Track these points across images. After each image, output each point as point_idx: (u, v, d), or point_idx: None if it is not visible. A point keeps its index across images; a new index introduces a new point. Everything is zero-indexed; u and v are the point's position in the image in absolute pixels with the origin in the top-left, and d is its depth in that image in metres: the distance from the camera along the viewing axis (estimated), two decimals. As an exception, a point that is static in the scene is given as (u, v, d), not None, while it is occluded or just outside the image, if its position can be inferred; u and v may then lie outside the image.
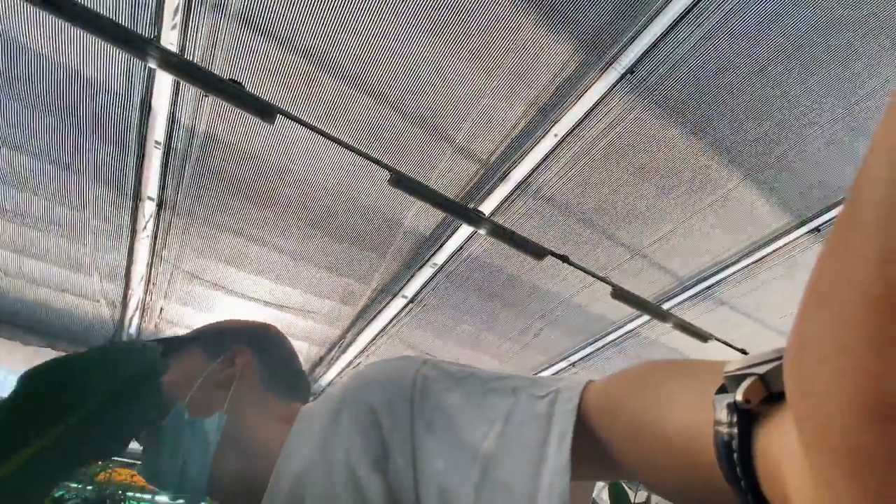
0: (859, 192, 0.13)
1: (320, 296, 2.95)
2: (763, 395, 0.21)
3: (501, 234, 2.25)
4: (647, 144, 2.04)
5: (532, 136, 2.00)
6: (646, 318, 2.95)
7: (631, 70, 1.70)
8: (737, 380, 0.22)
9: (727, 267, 2.62)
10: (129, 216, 2.46)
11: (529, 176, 2.16)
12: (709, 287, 2.83)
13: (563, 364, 3.62)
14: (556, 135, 2.00)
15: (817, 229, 2.35)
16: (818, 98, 1.85)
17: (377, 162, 2.01)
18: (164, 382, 0.52)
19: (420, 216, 2.38)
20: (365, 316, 3.01)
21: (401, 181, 1.94)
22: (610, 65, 1.70)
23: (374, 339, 3.23)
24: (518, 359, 3.50)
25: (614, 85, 1.77)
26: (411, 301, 2.93)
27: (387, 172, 2.03)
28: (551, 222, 2.37)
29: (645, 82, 1.80)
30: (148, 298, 3.08)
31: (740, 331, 3.21)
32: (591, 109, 1.88)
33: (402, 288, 2.85)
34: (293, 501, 0.43)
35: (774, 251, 2.49)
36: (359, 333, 3.12)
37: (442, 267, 2.68)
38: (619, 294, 2.57)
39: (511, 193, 2.26)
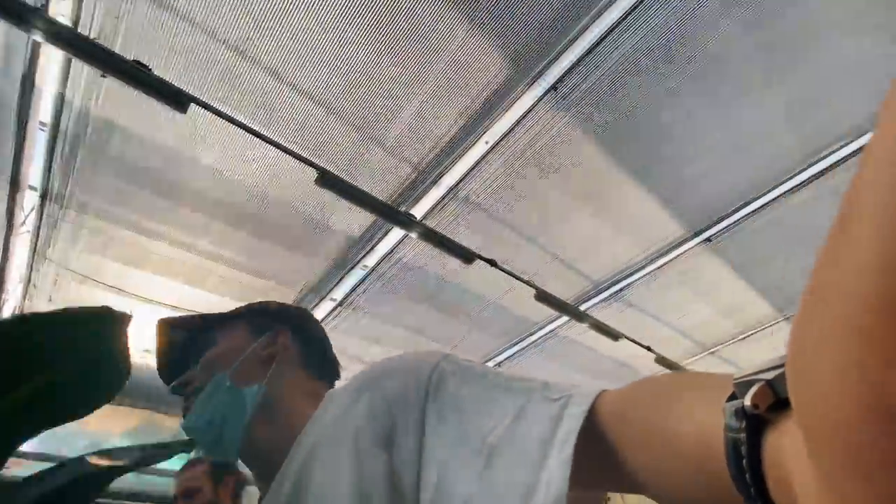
0: (858, 194, 0.13)
1: (238, 299, 2.76)
2: (771, 401, 0.21)
3: (432, 237, 2.27)
4: (570, 157, 2.17)
5: (463, 142, 2.04)
6: (565, 318, 3.14)
7: (554, 87, 1.80)
8: (746, 386, 0.22)
9: (635, 272, 2.88)
10: (3, 207, 2.11)
11: (460, 182, 2.20)
12: (620, 290, 3.08)
13: (489, 364, 3.72)
14: (486, 142, 2.06)
15: (708, 239, 2.66)
16: (718, 125, 2.10)
17: (303, 160, 1.93)
18: (214, 353, 0.61)
19: (350, 218, 2.32)
20: (289, 320, 2.87)
21: (328, 181, 1.88)
22: (536, 80, 1.79)
23: (298, 344, 3.09)
24: (447, 360, 3.54)
25: (540, 99, 1.86)
26: (340, 304, 2.85)
27: (314, 171, 1.96)
28: (480, 227, 2.44)
29: (568, 98, 1.92)
30: (27, 303, 2.67)
31: (646, 330, 3.53)
32: (520, 121, 1.96)
33: (330, 291, 2.76)
34: (305, 471, 0.47)
35: (674, 258, 2.78)
36: (282, 338, 2.95)
37: (373, 269, 2.64)
38: (542, 296, 2.71)
39: (443, 198, 2.29)
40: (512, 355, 3.62)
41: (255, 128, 1.83)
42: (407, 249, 2.51)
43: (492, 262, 2.47)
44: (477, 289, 2.85)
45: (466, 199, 2.30)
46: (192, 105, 1.66)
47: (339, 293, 2.77)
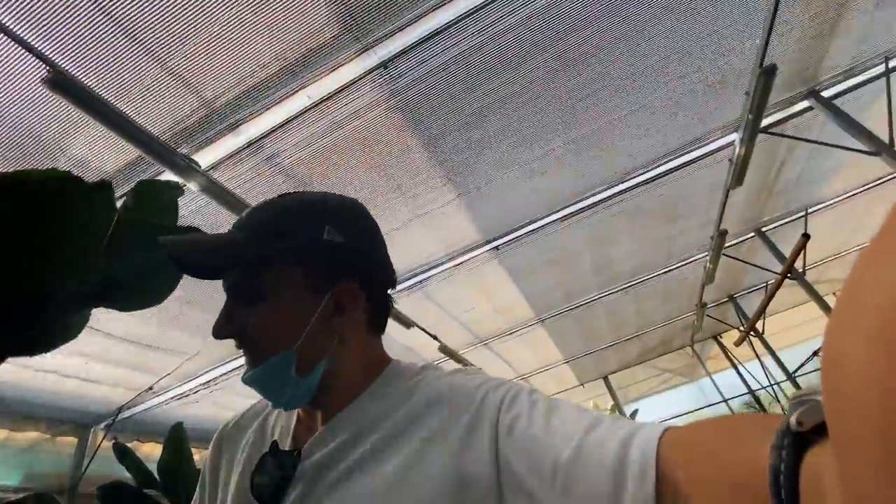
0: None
1: None
2: (818, 420, 0.21)
3: (218, 193, 1.91)
4: (391, 142, 2.12)
5: (276, 92, 1.77)
6: (363, 303, 3.12)
7: (385, 64, 1.71)
8: (797, 405, 0.22)
9: (435, 267, 3.05)
10: None
11: (265, 136, 1.90)
12: (420, 282, 3.22)
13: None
14: (308, 97, 1.83)
15: (497, 248, 3.01)
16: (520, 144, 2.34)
17: (27, 46, 1.35)
18: (270, 315, 0.52)
19: (102, 146, 1.76)
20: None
21: (66, 86, 1.36)
22: (367, 50, 1.66)
23: None
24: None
25: (369, 72, 1.75)
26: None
27: (46, 68, 1.40)
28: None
29: (398, 81, 1.85)
30: None
31: (434, 320, 3.81)
32: (343, 88, 1.80)
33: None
34: (357, 437, 0.50)
35: (467, 260, 3.05)
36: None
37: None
38: (341, 279, 2.60)
39: (241, 150, 1.95)
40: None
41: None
42: (185, 202, 2.06)
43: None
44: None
45: (271, 159, 2.01)
46: None
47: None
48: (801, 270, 3.88)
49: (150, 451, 3.93)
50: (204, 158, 1.87)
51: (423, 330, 3.74)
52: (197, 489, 0.62)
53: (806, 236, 3.55)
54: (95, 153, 1.79)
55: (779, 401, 6.30)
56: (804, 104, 2.63)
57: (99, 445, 3.59)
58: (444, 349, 4.12)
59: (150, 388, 3.35)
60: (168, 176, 1.83)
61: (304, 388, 0.52)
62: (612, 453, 0.36)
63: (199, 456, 4.69)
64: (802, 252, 3.63)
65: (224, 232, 0.55)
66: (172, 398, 3.68)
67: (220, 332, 0.53)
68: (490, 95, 2.03)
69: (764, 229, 4.07)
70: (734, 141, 2.68)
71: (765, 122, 2.52)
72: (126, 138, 1.62)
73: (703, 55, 2.14)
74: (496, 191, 2.58)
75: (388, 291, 0.61)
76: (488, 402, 0.47)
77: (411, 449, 0.47)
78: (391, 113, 1.96)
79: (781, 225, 4.04)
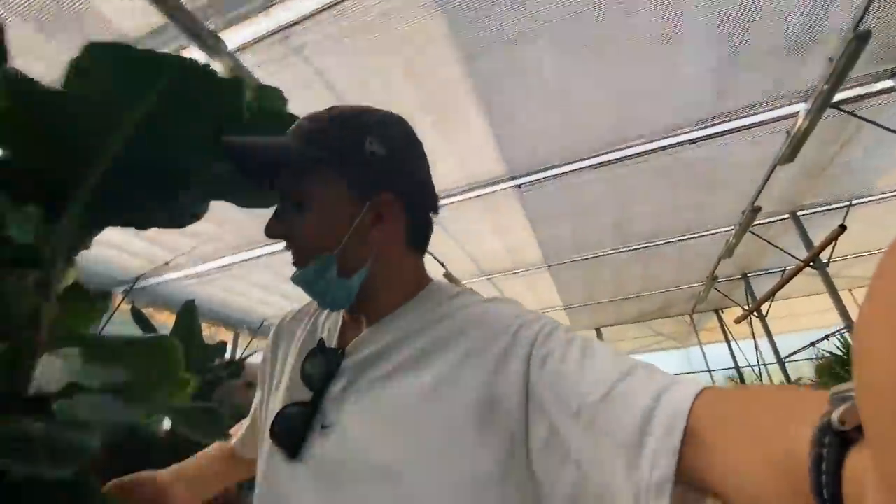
0: None
1: None
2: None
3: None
4: (425, 51, 1.97)
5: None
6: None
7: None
8: (840, 400, 0.22)
9: (453, 195, 2.99)
10: None
11: (297, 23, 1.78)
12: (435, 206, 3.19)
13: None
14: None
15: (519, 186, 2.92)
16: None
17: None
18: (315, 218, 0.55)
19: (126, 7, 1.66)
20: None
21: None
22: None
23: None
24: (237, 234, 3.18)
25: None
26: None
27: None
28: (308, 91, 2.08)
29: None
30: None
31: (443, 247, 3.84)
32: (386, -19, 1.64)
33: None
34: (396, 344, 0.54)
35: (487, 193, 2.98)
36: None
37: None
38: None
39: (271, 34, 1.83)
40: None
41: None
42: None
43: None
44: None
45: (299, 49, 1.90)
46: None
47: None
48: (825, 261, 3.76)
49: (164, 321, 4.23)
50: (231, 38, 1.77)
51: (433, 256, 3.79)
52: (258, 374, 0.71)
53: (842, 227, 3.38)
54: (118, 13, 1.70)
55: (762, 381, 6.47)
56: (888, 83, 2.35)
57: (117, 308, 3.86)
58: (449, 276, 4.20)
59: (167, 264, 3.53)
60: (192, 53, 1.75)
61: (345, 291, 0.56)
62: (642, 404, 0.36)
63: (208, 332, 5.06)
64: (833, 243, 3.48)
65: (277, 137, 0.57)
66: (187, 276, 3.87)
67: (270, 232, 0.57)
68: (545, 14, 1.84)
69: (800, 213, 3.88)
70: (798, 112, 2.45)
71: (837, 96, 2.28)
72: (154, 2, 1.53)
73: (793, 8, 1.88)
74: (531, 124, 2.44)
75: (430, 214, 0.62)
76: (523, 336, 0.48)
77: (447, 364, 0.49)
78: (431, 18, 1.80)
79: (821, 212, 3.84)
